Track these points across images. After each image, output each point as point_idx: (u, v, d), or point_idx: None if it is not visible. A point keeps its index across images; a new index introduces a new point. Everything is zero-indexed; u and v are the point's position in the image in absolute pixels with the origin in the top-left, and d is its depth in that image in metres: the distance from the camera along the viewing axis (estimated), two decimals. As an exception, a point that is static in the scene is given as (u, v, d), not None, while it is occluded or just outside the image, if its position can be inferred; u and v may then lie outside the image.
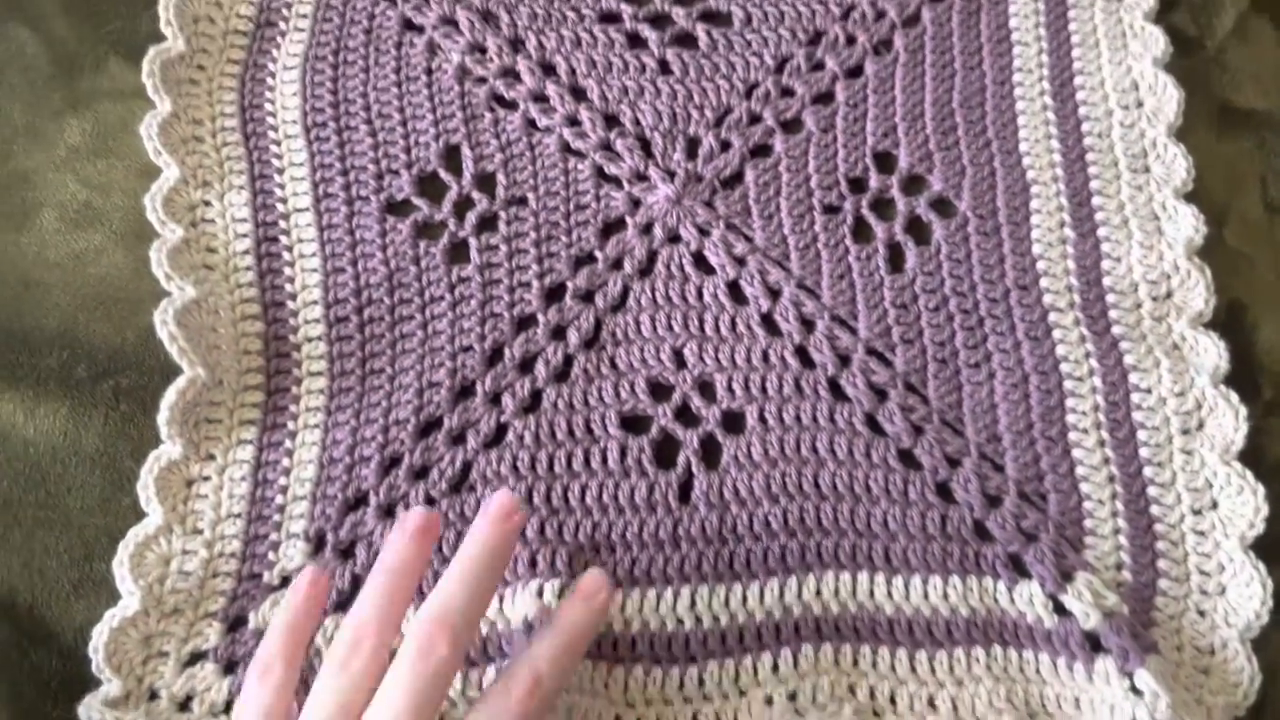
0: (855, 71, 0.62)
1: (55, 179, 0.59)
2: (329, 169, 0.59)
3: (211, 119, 0.60)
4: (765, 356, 0.56)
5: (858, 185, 0.60)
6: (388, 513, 0.52)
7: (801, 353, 0.56)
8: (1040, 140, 0.60)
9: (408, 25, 0.63)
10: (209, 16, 0.62)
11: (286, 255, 0.57)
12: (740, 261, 0.58)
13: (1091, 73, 0.62)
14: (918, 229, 0.59)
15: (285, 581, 0.50)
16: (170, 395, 0.51)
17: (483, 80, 0.62)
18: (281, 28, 0.62)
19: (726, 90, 0.62)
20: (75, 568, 0.51)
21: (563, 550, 0.51)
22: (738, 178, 0.60)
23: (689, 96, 0.61)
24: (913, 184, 0.60)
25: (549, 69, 0.62)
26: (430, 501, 0.52)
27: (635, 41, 0.63)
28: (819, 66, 0.63)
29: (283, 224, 0.58)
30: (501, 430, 0.54)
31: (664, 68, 0.62)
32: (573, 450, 0.54)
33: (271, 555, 0.51)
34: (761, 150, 0.61)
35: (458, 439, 0.54)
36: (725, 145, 0.61)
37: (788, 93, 0.62)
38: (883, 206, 0.60)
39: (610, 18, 0.64)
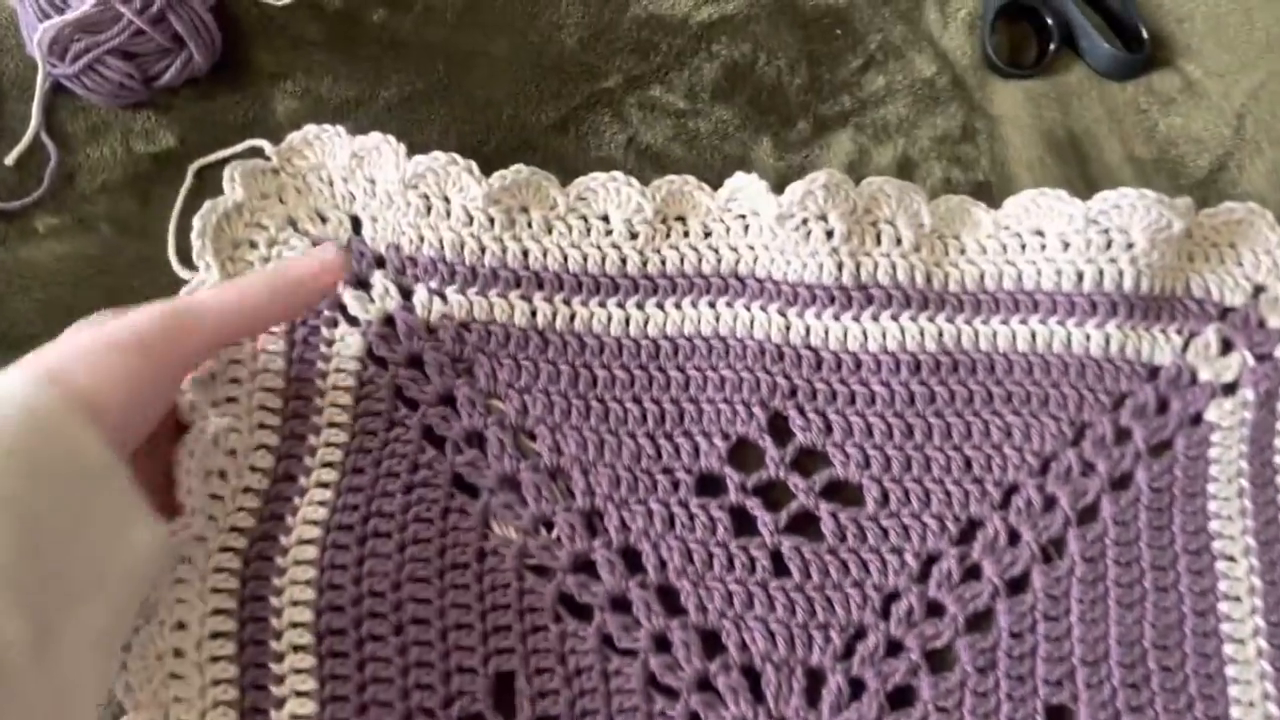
0: (1019, 584, 0.49)
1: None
2: (342, 704, 0.45)
3: (201, 621, 0.45)
4: None
5: (1027, 757, 0.47)
6: None
7: None
8: (1256, 704, 0.47)
9: (459, 484, 0.50)
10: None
11: None
12: None
13: (1317, 609, 0.49)
14: (1104, 828, 0.46)
15: None
16: None
17: (548, 573, 0.48)
18: (302, 482, 0.48)
19: (859, 603, 0.48)
20: None
21: None
22: (873, 739, 0.47)
23: (810, 611, 0.48)
24: (1096, 757, 0.47)
25: (632, 558, 0.49)
26: None
27: (741, 520, 0.50)
28: (973, 573, 0.50)
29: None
30: None
31: (778, 565, 0.49)
32: None
33: None
34: (902, 696, 0.47)
35: None
36: (858, 687, 0.47)
37: (935, 610, 0.49)
38: (1058, 791, 0.46)
39: (710, 484, 0.51)
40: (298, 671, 0.45)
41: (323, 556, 0.47)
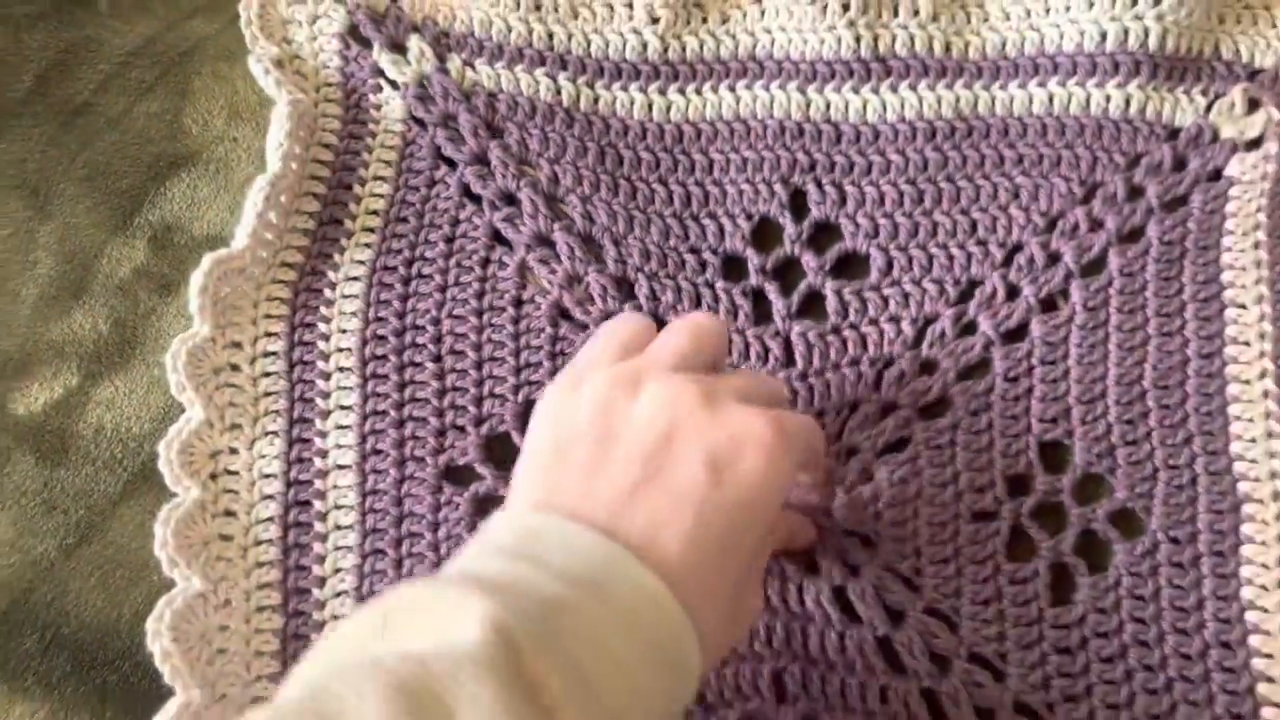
0: (1016, 335, 0.51)
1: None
2: (382, 417, 0.50)
3: (253, 341, 0.52)
4: (883, 696, 0.45)
5: (1019, 485, 0.48)
6: None
7: (930, 698, 0.45)
8: (1259, 440, 0.47)
9: (498, 238, 0.54)
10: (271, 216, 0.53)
11: (319, 527, 0.49)
12: (854, 572, 0.47)
13: (1330, 352, 0.49)
14: (1092, 549, 0.47)
15: None
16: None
17: (581, 326, 0.52)
18: (348, 226, 0.54)
19: (853, 380, 0.50)
20: None
21: None
22: (864, 478, 0.48)
23: (810, 398, 0.50)
24: (1089, 487, 0.48)
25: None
26: None
27: (761, 304, 0.52)
28: (970, 329, 0.51)
29: (319, 484, 0.49)
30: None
31: (788, 352, 0.51)
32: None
33: None
34: (895, 446, 0.49)
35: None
36: (851, 453, 0.49)
37: (929, 368, 0.50)
38: (1048, 514, 0.48)
39: (735, 266, 0.53)
40: (343, 388, 0.51)
41: (369, 292, 0.52)
